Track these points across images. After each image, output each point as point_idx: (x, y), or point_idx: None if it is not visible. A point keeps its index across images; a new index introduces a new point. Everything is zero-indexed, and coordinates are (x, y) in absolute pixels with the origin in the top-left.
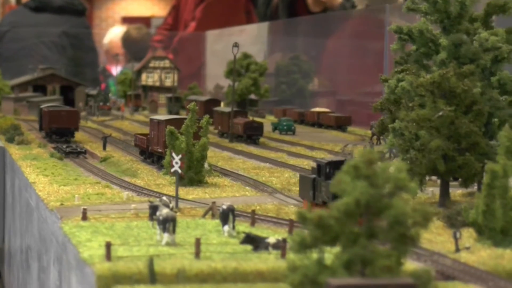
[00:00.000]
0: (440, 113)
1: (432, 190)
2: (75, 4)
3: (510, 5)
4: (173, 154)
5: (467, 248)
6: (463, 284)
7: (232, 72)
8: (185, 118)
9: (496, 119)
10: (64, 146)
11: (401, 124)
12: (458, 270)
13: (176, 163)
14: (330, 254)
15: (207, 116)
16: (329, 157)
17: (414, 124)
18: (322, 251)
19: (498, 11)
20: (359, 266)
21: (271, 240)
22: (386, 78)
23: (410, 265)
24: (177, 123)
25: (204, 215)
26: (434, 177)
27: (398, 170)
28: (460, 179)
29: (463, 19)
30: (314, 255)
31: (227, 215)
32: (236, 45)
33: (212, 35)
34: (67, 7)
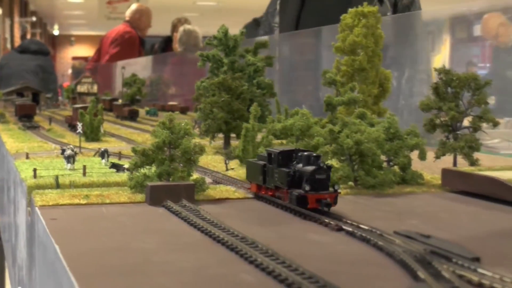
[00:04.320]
0: (222, 99)
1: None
2: (43, 49)
3: (268, 42)
4: (79, 124)
5: (232, 169)
6: (224, 185)
7: (122, 84)
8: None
9: (255, 103)
10: (27, 124)
11: (202, 106)
12: (224, 179)
13: (80, 128)
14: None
15: (101, 104)
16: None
17: (209, 105)
18: (150, 169)
19: (261, 46)
20: (166, 176)
21: (126, 166)
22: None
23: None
24: (85, 108)
25: (94, 155)
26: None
27: (186, 124)
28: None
29: (237, 48)
30: (142, 170)
31: (103, 154)
32: (123, 67)
33: (120, 64)
34: (39, 50)
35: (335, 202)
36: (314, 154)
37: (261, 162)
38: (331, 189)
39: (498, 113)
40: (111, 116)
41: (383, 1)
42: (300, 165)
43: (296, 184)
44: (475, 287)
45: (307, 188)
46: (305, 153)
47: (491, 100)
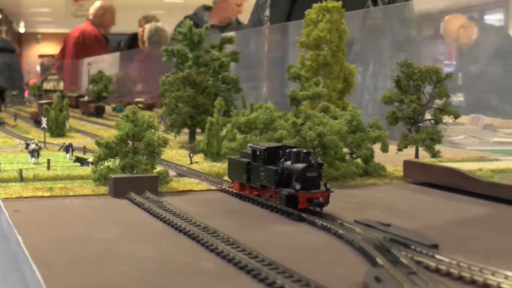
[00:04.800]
0: (187, 93)
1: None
2: (9, 47)
3: (234, 38)
4: (43, 119)
5: (196, 162)
6: (188, 178)
7: (88, 81)
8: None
9: (219, 97)
10: None
11: (167, 101)
12: (188, 172)
13: (44, 123)
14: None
15: (66, 100)
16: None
17: (174, 100)
18: (113, 162)
19: (227, 42)
20: (129, 169)
21: (91, 160)
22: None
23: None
24: (50, 104)
25: (59, 150)
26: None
27: (149, 116)
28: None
29: (201, 44)
30: (106, 163)
31: (68, 148)
32: (89, 64)
33: (87, 61)
34: (4, 48)
35: (327, 202)
36: (304, 151)
37: (245, 160)
38: (322, 187)
39: (465, 110)
40: (78, 113)
41: (376, 1)
42: (289, 163)
43: (284, 183)
44: (433, 272)
45: (298, 187)
46: (294, 150)
47: (459, 97)
